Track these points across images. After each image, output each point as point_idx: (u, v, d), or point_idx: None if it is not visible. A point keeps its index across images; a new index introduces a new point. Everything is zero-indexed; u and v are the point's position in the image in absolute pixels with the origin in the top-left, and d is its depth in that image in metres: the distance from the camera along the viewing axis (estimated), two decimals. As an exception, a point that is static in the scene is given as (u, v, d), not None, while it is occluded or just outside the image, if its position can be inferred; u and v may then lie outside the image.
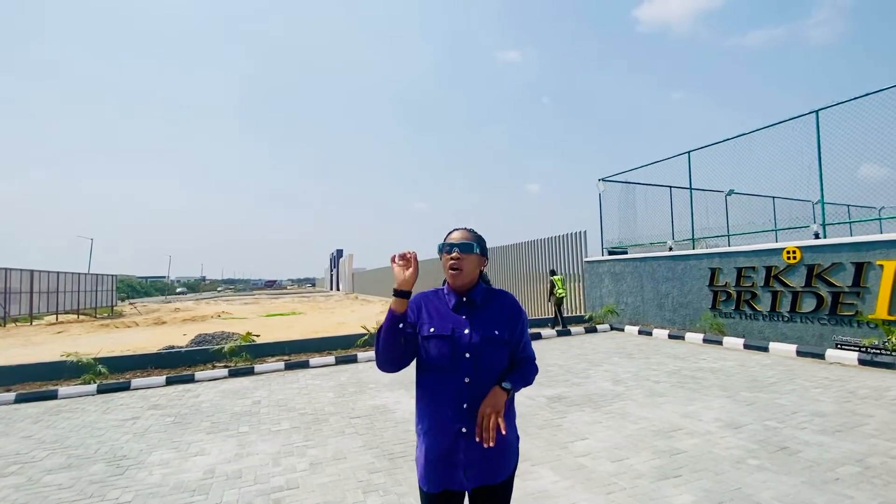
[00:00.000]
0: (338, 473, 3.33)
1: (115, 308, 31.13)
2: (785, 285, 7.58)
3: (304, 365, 7.39)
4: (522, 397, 5.09)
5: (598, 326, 10.38)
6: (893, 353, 5.96)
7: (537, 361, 1.65)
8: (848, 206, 11.31)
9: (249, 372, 7.06)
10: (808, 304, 7.28)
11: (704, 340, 8.19)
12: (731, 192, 12.22)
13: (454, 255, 1.52)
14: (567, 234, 13.14)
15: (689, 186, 10.36)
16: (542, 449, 3.61)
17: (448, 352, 1.46)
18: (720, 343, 7.92)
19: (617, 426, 4.06)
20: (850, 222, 10.79)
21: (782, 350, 7.02)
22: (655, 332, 9.28)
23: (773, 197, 12.36)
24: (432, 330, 1.49)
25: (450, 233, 1.61)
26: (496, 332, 1.50)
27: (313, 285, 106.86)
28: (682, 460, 3.29)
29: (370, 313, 18.54)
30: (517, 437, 1.57)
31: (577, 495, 2.83)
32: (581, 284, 12.64)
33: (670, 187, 11.54)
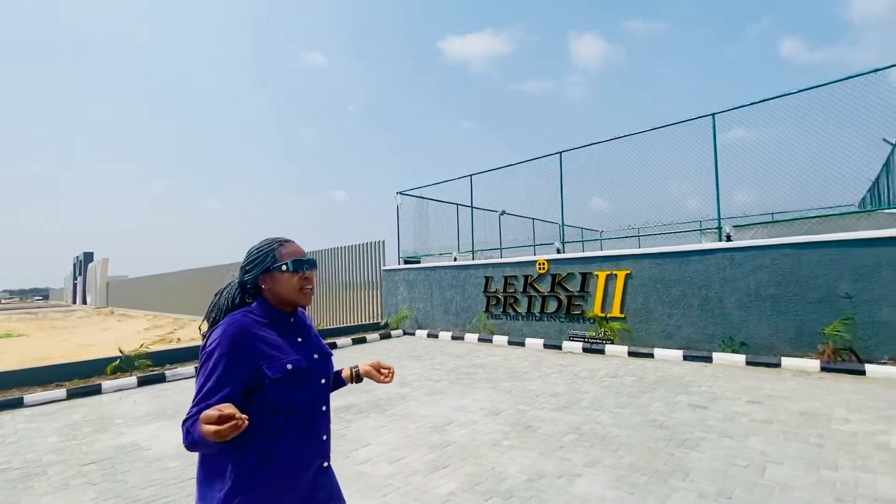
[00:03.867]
0: (51, 541, 2.58)
1: None
2: (537, 291, 9.26)
3: (16, 404, 5.59)
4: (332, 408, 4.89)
5: (393, 332, 10.81)
6: (603, 342, 7.86)
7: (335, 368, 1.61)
8: (582, 228, 14.56)
9: (-89, 423, 4.95)
10: (552, 306, 9.04)
11: (479, 340, 9.35)
12: (503, 213, 14.35)
13: (309, 274, 1.37)
14: (367, 243, 13.38)
15: (470, 205, 11.77)
16: (324, 462, 3.51)
17: (310, 384, 1.31)
18: (491, 341, 9.16)
19: (398, 428, 4.25)
20: (582, 241, 13.83)
21: (534, 344, 8.53)
22: (441, 334, 10.17)
23: (533, 218, 15.05)
24: (290, 367, 1.26)
25: (282, 245, 1.38)
26: (327, 347, 1.45)
27: (46, 297, 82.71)
28: (451, 451, 3.63)
29: (130, 331, 15.32)
30: None
31: (354, 503, 2.83)
32: (379, 292, 13.00)
33: (457, 205, 12.92)
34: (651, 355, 7.12)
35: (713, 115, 7.63)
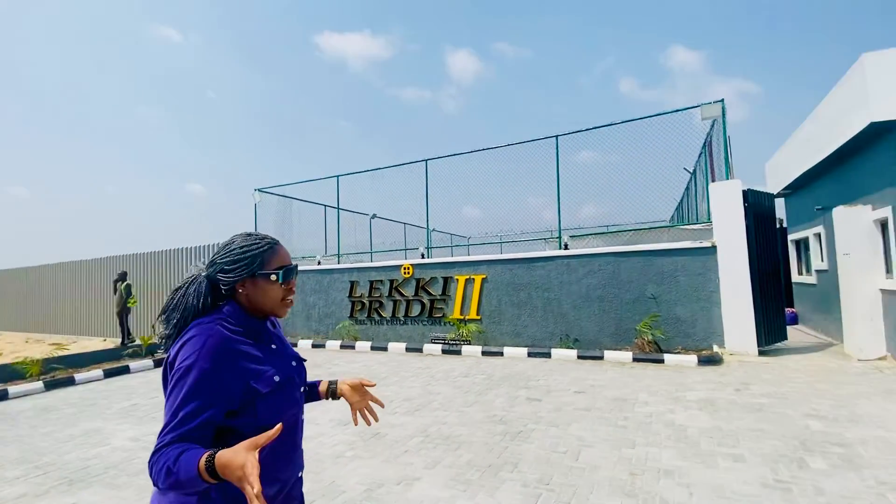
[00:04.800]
0: None
1: None
2: (402, 295, 9.33)
3: None
4: (126, 440, 4.19)
5: (246, 342, 9.93)
6: (460, 343, 8.21)
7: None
8: (451, 234, 15.13)
9: None
10: (416, 310, 9.19)
11: (341, 346, 9.08)
12: (373, 216, 14.24)
13: (293, 285, 1.25)
14: (218, 245, 12.12)
15: (337, 206, 11.42)
16: (133, 501, 3.01)
17: (295, 395, 1.22)
18: (353, 348, 8.96)
19: (233, 449, 3.86)
20: (451, 246, 14.29)
21: (397, 348, 8.57)
22: (301, 342, 9.64)
23: (405, 223, 15.23)
24: (277, 378, 1.16)
25: (272, 248, 1.21)
26: (298, 353, 1.35)
27: None
28: (289, 469, 3.40)
29: None
30: None
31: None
32: (232, 298, 11.86)
33: (325, 206, 12.44)
34: (501, 354, 7.65)
35: (556, 136, 8.54)
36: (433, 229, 14.38)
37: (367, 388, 1.52)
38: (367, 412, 1.51)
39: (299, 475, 1.30)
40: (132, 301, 9.95)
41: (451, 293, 8.86)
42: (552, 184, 8.68)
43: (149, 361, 7.85)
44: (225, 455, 0.92)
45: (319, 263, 11.04)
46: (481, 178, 9.82)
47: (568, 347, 7.44)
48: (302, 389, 1.31)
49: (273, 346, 1.24)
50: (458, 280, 8.78)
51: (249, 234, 1.24)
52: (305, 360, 1.39)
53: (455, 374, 6.46)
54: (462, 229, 12.91)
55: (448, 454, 3.56)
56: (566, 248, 8.18)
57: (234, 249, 1.19)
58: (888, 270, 6.12)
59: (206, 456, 0.94)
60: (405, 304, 9.27)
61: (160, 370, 7.69)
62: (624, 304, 7.33)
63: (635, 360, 6.67)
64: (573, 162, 8.69)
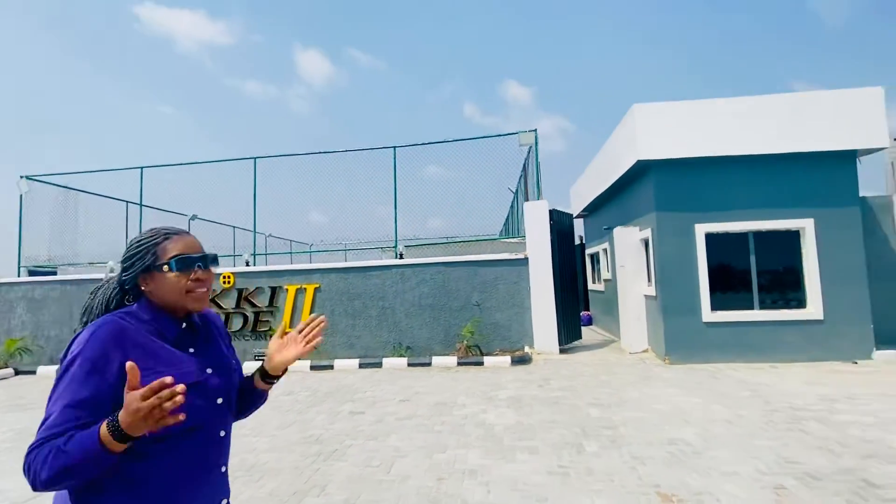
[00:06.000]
0: None
1: None
2: (220, 307, 8.30)
3: None
4: None
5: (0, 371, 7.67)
6: (288, 358, 7.64)
7: None
8: (291, 241, 14.10)
9: None
10: (238, 324, 8.27)
11: (139, 370, 7.65)
12: (194, 217, 12.52)
13: (202, 275, 1.10)
14: None
15: (139, 203, 9.71)
16: None
17: (202, 403, 1.05)
18: (155, 370, 7.62)
19: (-70, 525, 2.83)
20: (291, 253, 13.34)
21: (211, 368, 7.55)
22: (82, 368, 7.84)
23: (234, 226, 13.71)
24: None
25: (167, 238, 1.09)
26: (233, 361, 1.20)
27: None
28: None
29: None
30: None
31: None
32: (-23, 316, 9.07)
33: (126, 202, 10.46)
34: (331, 367, 7.33)
35: (394, 147, 8.66)
36: (269, 235, 13.28)
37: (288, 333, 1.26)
38: (310, 340, 1.22)
39: (223, 502, 1.15)
40: None
41: (279, 304, 8.20)
42: (402, 195, 8.77)
43: None
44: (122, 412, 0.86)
45: (112, 271, 9.19)
46: (326, 183, 9.44)
47: (400, 356, 7.50)
48: (219, 400, 1.12)
49: (190, 350, 1.12)
50: (288, 290, 8.17)
51: (150, 228, 1.17)
52: (236, 368, 1.22)
53: (276, 392, 5.93)
54: (307, 236, 12.12)
55: (248, 486, 3.17)
56: (401, 257, 8.29)
57: (131, 246, 1.12)
58: (649, 280, 7.64)
59: (106, 422, 0.86)
60: (224, 318, 8.26)
61: None
62: (452, 312, 7.71)
63: (460, 363, 7.04)
64: (420, 176, 9.00)
